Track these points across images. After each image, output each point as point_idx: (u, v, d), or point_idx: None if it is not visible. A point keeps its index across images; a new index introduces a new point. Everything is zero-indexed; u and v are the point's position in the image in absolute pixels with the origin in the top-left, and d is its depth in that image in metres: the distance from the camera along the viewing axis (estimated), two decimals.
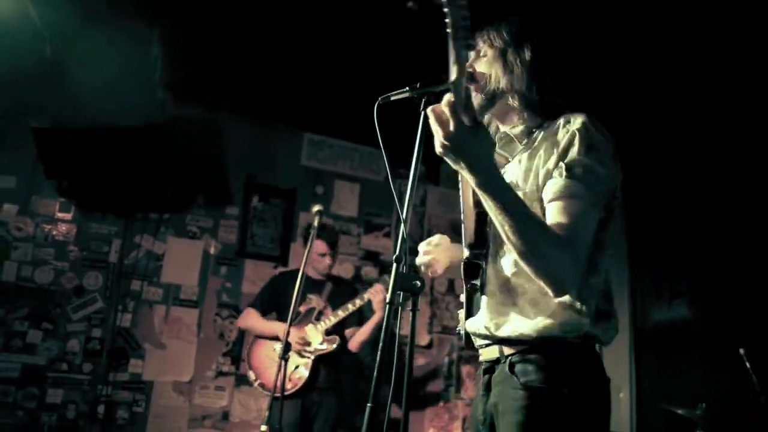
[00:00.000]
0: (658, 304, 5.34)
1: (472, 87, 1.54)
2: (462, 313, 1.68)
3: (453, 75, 1.26)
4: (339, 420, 3.82)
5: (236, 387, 4.45)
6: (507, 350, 1.47)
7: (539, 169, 1.45)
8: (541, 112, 1.54)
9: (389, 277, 3.89)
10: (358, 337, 3.83)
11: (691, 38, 3.53)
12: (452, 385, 5.09)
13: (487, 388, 1.53)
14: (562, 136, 1.43)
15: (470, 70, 1.57)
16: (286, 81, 4.35)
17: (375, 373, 1.46)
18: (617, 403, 4.97)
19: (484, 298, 1.55)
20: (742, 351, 3.43)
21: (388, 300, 1.46)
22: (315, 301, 3.80)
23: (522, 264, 1.35)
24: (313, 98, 4.56)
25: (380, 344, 1.45)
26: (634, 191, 4.21)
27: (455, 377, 5.13)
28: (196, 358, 4.42)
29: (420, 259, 1.81)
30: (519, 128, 1.59)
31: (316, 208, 3.16)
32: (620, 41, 3.62)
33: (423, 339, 5.08)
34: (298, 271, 3.97)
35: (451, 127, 1.26)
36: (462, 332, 1.67)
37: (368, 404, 1.44)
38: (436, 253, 1.78)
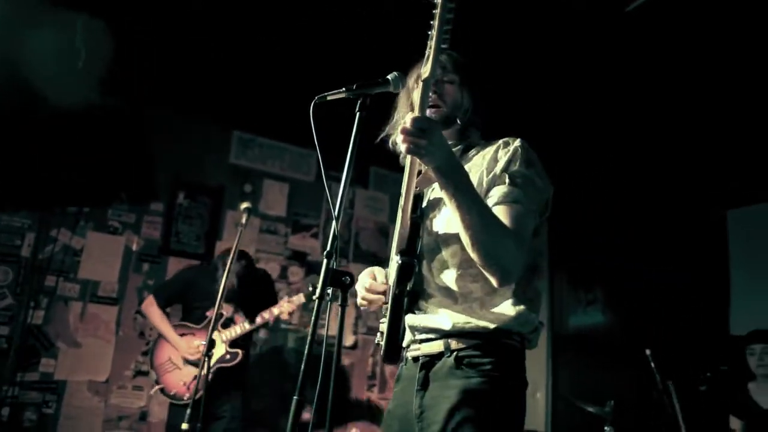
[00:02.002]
0: (575, 310, 5.64)
1: (443, 107, 1.69)
2: (384, 323, 1.67)
3: (426, 74, 1.38)
4: (251, 420, 3.76)
5: None
6: (454, 344, 1.54)
7: (482, 179, 1.59)
8: (480, 134, 1.75)
9: (316, 275, 3.86)
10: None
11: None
12: (375, 386, 5.15)
13: (424, 383, 1.56)
14: (504, 154, 1.60)
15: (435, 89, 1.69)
16: (216, 77, 4.29)
17: (302, 366, 1.47)
18: (534, 402, 5.17)
19: (424, 301, 1.62)
20: (648, 352, 3.65)
21: (317, 295, 1.47)
22: (225, 305, 3.64)
23: (475, 252, 1.43)
24: (244, 96, 4.52)
25: (308, 338, 1.47)
26: (553, 209, 4.42)
27: (379, 378, 5.19)
28: (114, 356, 4.27)
29: (361, 302, 1.81)
30: (458, 146, 1.74)
31: (244, 205, 3.12)
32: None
33: (348, 340, 5.11)
34: (209, 265, 3.92)
35: (424, 123, 1.37)
36: (382, 342, 1.66)
37: (294, 397, 1.46)
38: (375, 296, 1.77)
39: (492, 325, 1.51)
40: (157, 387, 3.55)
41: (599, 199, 5.30)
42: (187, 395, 3.46)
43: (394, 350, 1.65)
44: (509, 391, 1.52)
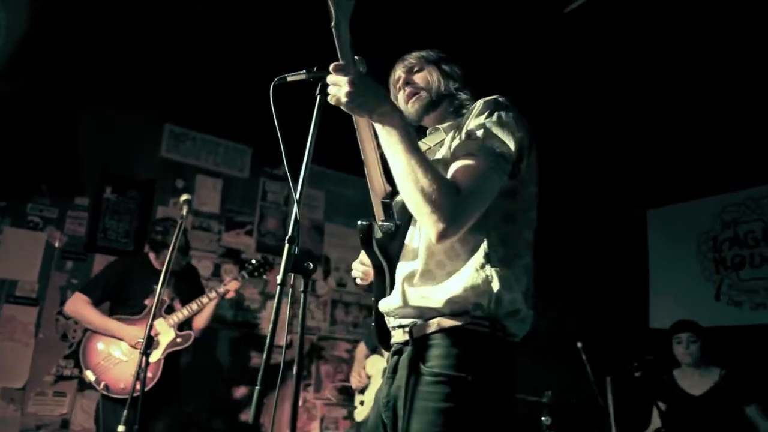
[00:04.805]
0: None
1: (419, 91, 1.70)
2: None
3: (332, 21, 1.35)
4: (190, 423, 3.64)
5: (79, 392, 4.08)
6: (416, 332, 1.47)
7: (452, 142, 1.54)
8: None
9: (247, 274, 3.80)
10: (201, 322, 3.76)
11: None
12: (311, 385, 5.09)
13: (394, 370, 1.52)
14: (474, 110, 1.54)
15: (409, 80, 1.73)
16: (149, 66, 4.12)
17: (264, 356, 1.43)
18: None
19: (398, 274, 1.57)
20: (579, 345, 3.80)
21: (279, 282, 1.44)
22: (163, 293, 3.56)
23: (408, 201, 1.39)
24: (177, 87, 4.36)
25: (270, 326, 1.43)
26: None
27: (314, 377, 5.14)
28: (33, 361, 3.99)
29: (356, 273, 1.86)
30: (448, 123, 1.71)
31: (184, 197, 3.00)
32: None
33: (281, 339, 5.02)
34: (139, 258, 3.83)
35: (352, 74, 1.37)
36: (373, 325, 1.68)
37: (256, 387, 1.42)
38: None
39: (446, 297, 1.41)
40: (101, 386, 3.31)
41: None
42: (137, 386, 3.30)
43: (383, 332, 1.67)
44: (474, 395, 1.37)
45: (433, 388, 1.38)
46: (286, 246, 1.44)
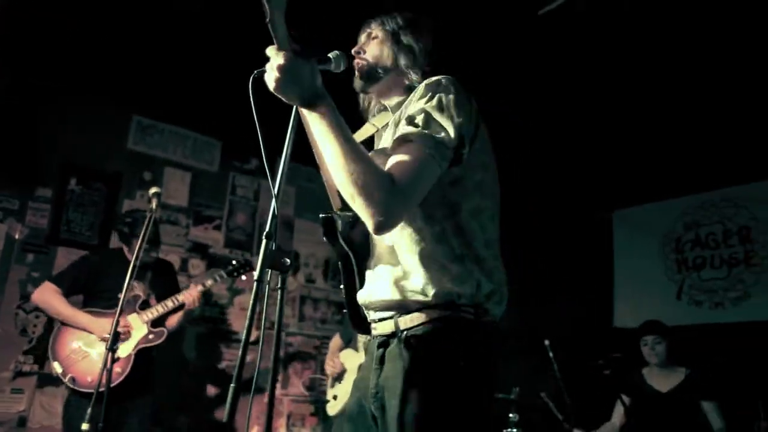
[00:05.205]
0: None
1: (363, 62, 1.67)
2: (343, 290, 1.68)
3: (267, 16, 1.32)
4: (156, 420, 3.58)
5: (39, 388, 3.97)
6: (402, 323, 1.46)
7: (396, 127, 1.51)
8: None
9: (215, 269, 3.74)
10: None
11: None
12: (278, 382, 5.05)
13: (381, 361, 1.51)
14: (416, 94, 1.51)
15: (360, 49, 1.71)
16: (117, 55, 4.02)
17: (240, 353, 1.43)
18: None
19: (374, 269, 1.56)
20: (546, 342, 3.86)
21: (256, 277, 1.42)
22: (138, 288, 3.53)
23: (342, 192, 1.36)
24: (145, 78, 4.26)
25: (247, 322, 1.42)
26: None
27: (281, 373, 5.10)
28: None
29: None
30: (396, 100, 1.70)
31: (153, 189, 2.94)
32: None
33: (251, 335, 4.96)
34: (114, 251, 3.73)
35: (281, 60, 1.32)
36: (347, 312, 1.67)
37: (232, 385, 1.40)
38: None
39: (432, 290, 1.41)
40: (66, 379, 3.21)
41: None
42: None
43: (357, 317, 1.66)
44: (465, 378, 1.39)
45: (425, 376, 1.39)
46: (264, 241, 1.42)
